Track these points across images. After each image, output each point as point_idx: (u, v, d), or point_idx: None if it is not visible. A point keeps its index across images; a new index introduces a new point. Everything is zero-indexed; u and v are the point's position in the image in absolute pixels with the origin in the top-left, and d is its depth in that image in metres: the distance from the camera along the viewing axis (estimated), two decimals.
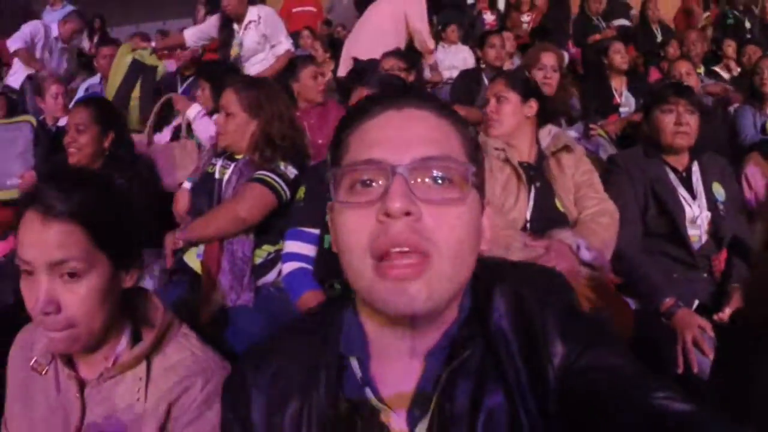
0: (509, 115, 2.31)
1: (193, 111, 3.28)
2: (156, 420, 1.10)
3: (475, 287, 0.83)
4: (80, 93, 5.00)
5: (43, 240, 1.01)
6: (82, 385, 1.13)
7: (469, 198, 0.75)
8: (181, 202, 2.53)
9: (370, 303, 0.75)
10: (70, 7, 5.94)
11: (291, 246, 2.08)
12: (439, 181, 0.73)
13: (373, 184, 0.74)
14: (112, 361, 1.14)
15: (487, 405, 0.75)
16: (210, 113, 3.33)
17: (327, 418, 0.79)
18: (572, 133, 3.46)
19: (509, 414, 0.75)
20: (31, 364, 1.16)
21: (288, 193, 2.18)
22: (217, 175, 2.32)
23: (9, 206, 3.06)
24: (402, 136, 0.75)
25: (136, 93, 4.18)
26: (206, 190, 2.32)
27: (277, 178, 2.16)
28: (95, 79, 5.07)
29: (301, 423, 0.80)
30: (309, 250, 2.05)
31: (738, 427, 0.64)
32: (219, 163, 2.34)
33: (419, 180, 0.73)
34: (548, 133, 2.38)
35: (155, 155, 3.09)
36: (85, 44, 7.07)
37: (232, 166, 2.28)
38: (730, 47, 5.46)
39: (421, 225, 0.71)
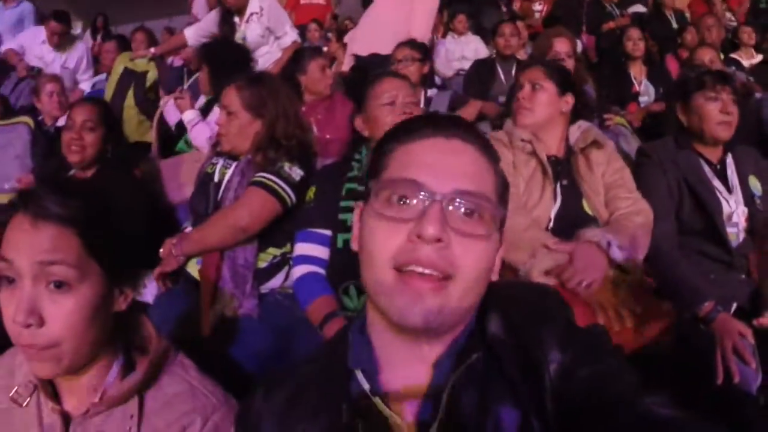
0: (543, 106, 2.12)
1: (189, 116, 3.09)
2: None
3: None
4: (87, 90, 4.91)
5: (33, 241, 0.91)
6: (66, 420, 1.01)
7: (494, 236, 0.81)
8: None
9: (385, 310, 0.80)
10: (27, 5, 5.81)
11: (302, 248, 1.96)
12: (472, 215, 0.79)
13: (409, 202, 0.79)
14: (101, 393, 1.01)
15: (495, 411, 0.78)
16: (208, 102, 3.16)
17: (332, 428, 0.82)
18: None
19: (518, 419, 0.78)
20: (10, 394, 1.03)
21: (293, 197, 2.05)
22: (216, 177, 2.17)
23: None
24: (446, 166, 0.80)
25: (129, 102, 4.07)
26: (204, 193, 2.18)
27: (280, 182, 2.03)
28: (102, 76, 4.98)
29: None
30: (321, 252, 1.93)
31: (716, 428, 0.70)
32: (219, 162, 2.20)
33: (453, 210, 0.78)
34: (578, 128, 2.18)
35: (162, 168, 2.93)
36: (88, 42, 6.98)
37: (233, 166, 2.14)
38: (745, 33, 5.30)
39: (448, 252, 0.77)
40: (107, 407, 1.00)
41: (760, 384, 1.92)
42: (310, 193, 2.02)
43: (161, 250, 2.06)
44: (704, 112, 2.22)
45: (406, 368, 0.84)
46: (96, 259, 0.95)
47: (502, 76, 4.03)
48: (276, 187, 2.02)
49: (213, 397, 1.05)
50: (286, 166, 2.05)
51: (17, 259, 0.91)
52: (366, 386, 0.84)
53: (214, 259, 1.99)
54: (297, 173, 2.07)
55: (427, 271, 0.76)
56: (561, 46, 3.26)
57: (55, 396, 1.02)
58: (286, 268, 2.07)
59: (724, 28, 5.38)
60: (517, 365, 0.80)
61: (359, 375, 0.85)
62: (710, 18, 5.11)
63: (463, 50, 5.04)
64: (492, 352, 0.82)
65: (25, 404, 1.03)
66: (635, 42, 4.39)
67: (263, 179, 2.02)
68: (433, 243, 0.75)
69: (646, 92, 4.28)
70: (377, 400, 0.82)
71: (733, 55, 5.15)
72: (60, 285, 0.91)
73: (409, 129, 0.86)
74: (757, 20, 6.03)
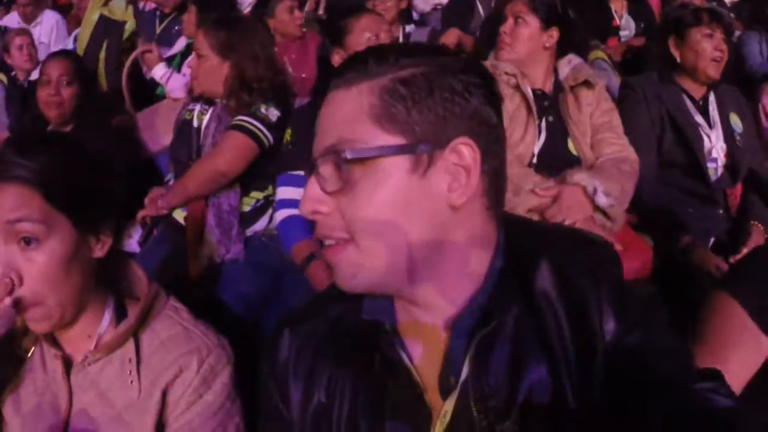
0: (524, 41, 2.06)
1: (159, 72, 2.99)
2: (154, 405, 1.01)
3: (512, 249, 0.77)
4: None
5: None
6: (68, 365, 1.04)
7: (367, 177, 0.71)
8: None
9: None
10: None
11: (283, 192, 1.96)
12: (337, 167, 0.71)
13: None
14: (96, 339, 1.03)
15: (529, 377, 0.72)
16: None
17: (359, 379, 0.78)
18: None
19: (553, 389, 0.71)
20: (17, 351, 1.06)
21: (271, 138, 2.04)
22: (195, 123, 2.15)
23: None
24: (319, 126, 0.76)
25: (102, 54, 3.85)
26: (185, 139, 2.16)
27: (257, 123, 2.02)
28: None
29: (336, 384, 0.80)
30: (301, 194, 1.90)
31: None
32: (197, 108, 2.17)
33: (322, 174, 0.72)
34: (568, 62, 2.11)
35: (139, 118, 2.89)
36: None
37: (210, 111, 2.12)
38: None
39: (336, 216, 0.72)
40: (104, 353, 1.02)
41: None
42: (287, 135, 2.01)
43: (148, 195, 2.08)
44: (700, 48, 2.22)
45: (423, 326, 0.78)
46: (62, 212, 0.96)
47: (480, 10, 3.94)
48: (253, 128, 2.01)
49: (207, 338, 1.05)
50: (262, 107, 2.04)
51: None
52: (392, 337, 0.79)
53: (199, 206, 2.00)
54: (273, 114, 2.06)
55: (328, 242, 0.74)
56: None
57: (55, 343, 1.04)
58: (270, 210, 2.08)
59: None
60: (563, 329, 0.73)
61: (387, 327, 0.79)
62: None
63: None
64: (533, 305, 0.74)
65: (30, 354, 1.05)
66: None
67: (240, 122, 2.02)
68: (313, 216, 0.74)
69: (627, 26, 4.22)
70: (404, 358, 0.78)
71: None
72: (29, 241, 0.93)
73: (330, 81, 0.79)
74: None
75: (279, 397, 0.85)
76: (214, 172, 1.98)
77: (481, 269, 0.75)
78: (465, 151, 0.70)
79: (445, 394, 0.74)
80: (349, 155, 0.70)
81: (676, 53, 2.27)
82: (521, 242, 0.78)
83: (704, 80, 2.26)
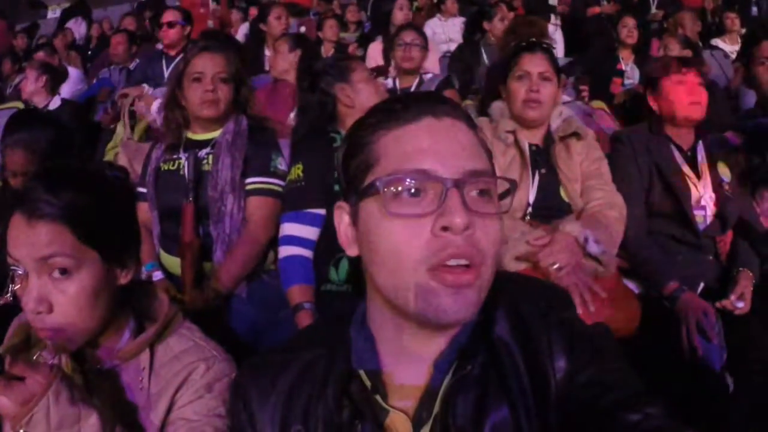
0: (550, 99, 2.09)
1: (156, 106, 3.11)
2: (163, 407, 1.08)
3: None
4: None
5: (31, 239, 1.00)
6: (86, 377, 1.10)
7: (498, 212, 0.78)
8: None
9: (417, 311, 0.75)
10: None
11: (290, 228, 1.99)
12: (484, 195, 0.76)
13: (422, 194, 0.75)
14: (115, 352, 1.11)
15: (492, 418, 0.76)
16: None
17: (330, 425, 0.81)
18: (564, 98, 3.35)
19: (513, 428, 0.76)
20: (34, 357, 1.12)
21: (284, 185, 2.12)
22: (186, 173, 2.10)
23: None
24: (448, 148, 0.76)
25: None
26: (172, 188, 2.12)
27: (273, 181, 2.11)
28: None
29: (310, 418, 0.83)
30: (310, 233, 1.97)
31: None
32: (183, 156, 2.14)
33: (468, 193, 0.75)
34: (559, 114, 2.17)
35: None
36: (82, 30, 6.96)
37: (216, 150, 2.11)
38: (729, 19, 5.22)
39: (474, 238, 0.73)
40: (122, 361, 1.10)
41: (725, 362, 2.03)
42: (298, 171, 2.03)
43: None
44: (673, 95, 2.26)
45: (408, 364, 0.82)
46: (91, 246, 1.04)
47: (485, 58, 4.08)
48: (271, 187, 2.10)
49: (215, 351, 1.13)
50: (277, 161, 2.13)
51: (22, 258, 1.01)
52: (368, 384, 0.82)
53: (191, 238, 2.04)
54: (282, 162, 2.15)
55: (462, 262, 0.73)
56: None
57: (76, 358, 1.10)
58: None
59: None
60: (521, 372, 0.78)
61: (362, 373, 0.83)
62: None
63: (450, 32, 5.06)
64: (494, 352, 0.79)
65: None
66: (630, 30, 4.45)
67: (259, 186, 2.10)
68: (462, 232, 0.72)
69: (631, 75, 4.31)
70: (378, 398, 0.81)
71: (717, 41, 5.10)
72: (63, 271, 1.01)
73: (390, 113, 0.80)
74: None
75: (250, 429, 0.89)
76: (259, 246, 2.07)
77: None
78: None
79: (417, 427, 0.80)
80: (497, 185, 0.79)
81: (654, 106, 2.33)
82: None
83: (687, 125, 2.29)
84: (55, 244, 1.00)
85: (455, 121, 0.79)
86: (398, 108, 0.80)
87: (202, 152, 2.12)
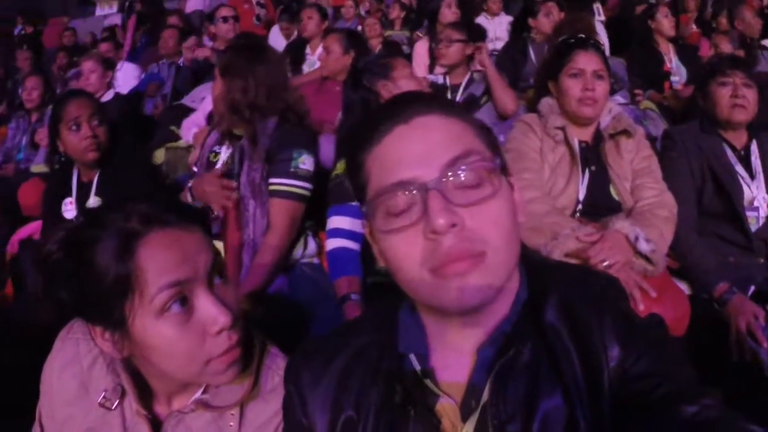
0: (604, 97, 2.08)
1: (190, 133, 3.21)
2: None
3: (531, 282, 0.85)
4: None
5: (185, 249, 0.94)
6: (154, 424, 1.04)
7: (501, 187, 0.77)
8: None
9: (433, 304, 0.78)
10: None
11: (336, 221, 2.04)
12: (471, 179, 0.75)
13: (407, 205, 0.75)
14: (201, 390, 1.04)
15: (543, 406, 0.76)
16: None
17: (383, 408, 0.82)
18: (618, 99, 3.32)
19: (566, 416, 0.76)
20: (99, 399, 1.06)
21: (310, 186, 2.10)
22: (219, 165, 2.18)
23: None
24: (420, 150, 0.76)
25: None
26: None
27: (295, 182, 2.06)
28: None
29: (359, 414, 0.84)
30: (357, 225, 2.01)
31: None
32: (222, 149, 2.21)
33: (452, 187, 0.74)
34: (608, 112, 2.15)
35: None
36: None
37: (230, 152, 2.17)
38: None
39: (468, 230, 0.73)
40: (206, 409, 1.02)
41: None
42: (340, 168, 2.07)
43: None
44: (716, 97, 2.25)
45: (455, 351, 0.83)
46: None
47: (533, 57, 4.05)
48: (292, 189, 2.06)
49: None
50: (299, 159, 2.06)
51: (189, 276, 0.92)
52: (418, 367, 0.83)
53: (236, 237, 2.07)
54: (309, 162, 2.09)
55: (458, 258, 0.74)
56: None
57: (143, 401, 1.04)
58: (303, 238, 2.16)
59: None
60: (573, 359, 0.77)
61: (412, 357, 0.84)
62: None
63: (496, 30, 5.03)
64: (545, 341, 0.79)
65: (113, 407, 1.05)
66: (669, 19, 4.34)
67: (279, 187, 2.06)
68: (449, 231, 0.72)
69: (677, 72, 4.21)
70: (428, 382, 0.82)
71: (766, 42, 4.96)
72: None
73: (367, 133, 0.81)
74: None
75: (301, 411, 0.90)
76: (280, 248, 2.03)
77: (509, 299, 0.83)
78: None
79: (465, 416, 0.79)
80: (497, 162, 0.78)
81: (702, 105, 2.32)
82: (536, 279, 0.85)
83: (733, 127, 2.27)
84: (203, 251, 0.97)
85: (425, 117, 0.79)
86: (373, 123, 0.81)
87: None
